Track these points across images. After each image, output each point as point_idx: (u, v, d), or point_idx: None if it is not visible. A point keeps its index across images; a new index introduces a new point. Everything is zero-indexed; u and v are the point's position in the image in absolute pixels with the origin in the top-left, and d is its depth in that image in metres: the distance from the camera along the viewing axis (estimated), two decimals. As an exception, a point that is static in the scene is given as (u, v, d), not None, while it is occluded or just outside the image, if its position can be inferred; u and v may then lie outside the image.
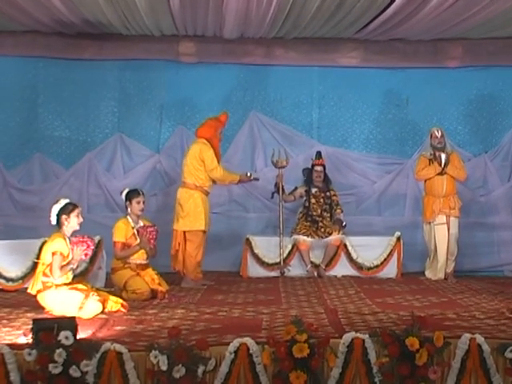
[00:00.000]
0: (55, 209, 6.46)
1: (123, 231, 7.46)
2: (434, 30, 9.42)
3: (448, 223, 8.96)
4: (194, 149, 8.29)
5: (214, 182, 8.40)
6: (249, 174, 8.67)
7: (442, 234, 8.99)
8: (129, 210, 7.58)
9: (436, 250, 9.02)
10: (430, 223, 9.11)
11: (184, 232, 8.25)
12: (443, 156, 8.95)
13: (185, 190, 8.27)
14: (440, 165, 8.94)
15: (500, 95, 10.32)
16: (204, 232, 8.32)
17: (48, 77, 10.08)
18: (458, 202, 9.04)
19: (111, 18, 8.92)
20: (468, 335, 4.90)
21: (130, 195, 7.59)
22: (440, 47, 10.15)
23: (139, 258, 7.47)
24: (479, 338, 4.88)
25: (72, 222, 6.46)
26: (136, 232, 7.48)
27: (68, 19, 8.93)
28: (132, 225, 7.51)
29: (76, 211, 6.50)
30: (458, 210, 9.03)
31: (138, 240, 7.44)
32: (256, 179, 8.92)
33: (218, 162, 8.30)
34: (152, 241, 7.45)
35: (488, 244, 10.05)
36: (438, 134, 8.97)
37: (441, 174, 8.96)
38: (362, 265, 9.31)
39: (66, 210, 6.44)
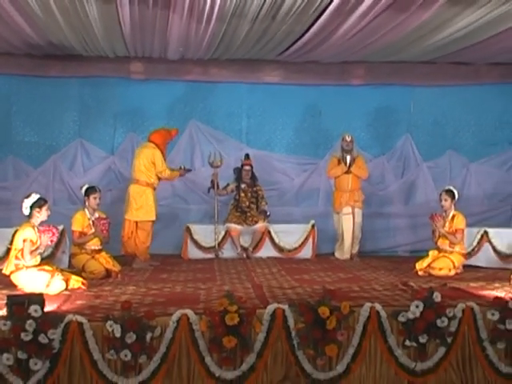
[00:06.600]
0: (28, 201, 6.32)
1: (80, 222, 7.38)
2: (341, 55, 9.51)
3: (353, 213, 9.10)
4: (146, 152, 8.25)
5: (159, 179, 8.39)
6: (182, 167, 8.69)
7: (347, 222, 9.12)
8: (87, 203, 7.49)
9: (343, 235, 9.16)
10: (338, 213, 9.24)
11: (136, 222, 8.24)
12: (348, 158, 9.10)
13: (137, 186, 8.24)
14: (346, 165, 9.08)
15: (394, 108, 10.45)
16: (153, 222, 8.33)
17: (20, 91, 9.91)
18: (361, 196, 9.21)
19: (73, 42, 8.78)
20: (369, 304, 5.01)
21: (89, 191, 7.50)
22: (346, 68, 10.19)
23: (94, 244, 7.40)
24: (378, 306, 5.00)
25: (43, 215, 6.36)
26: (92, 223, 7.42)
27: (36, 42, 8.77)
28: (88, 216, 7.43)
29: (47, 205, 6.42)
30: (361, 203, 9.18)
31: (93, 229, 7.38)
32: (189, 170, 8.89)
33: None
34: (105, 231, 7.42)
35: (385, 230, 10.20)
36: (348, 139, 9.10)
37: (347, 172, 9.09)
38: (283, 248, 9.35)
39: (39, 204, 6.33)
